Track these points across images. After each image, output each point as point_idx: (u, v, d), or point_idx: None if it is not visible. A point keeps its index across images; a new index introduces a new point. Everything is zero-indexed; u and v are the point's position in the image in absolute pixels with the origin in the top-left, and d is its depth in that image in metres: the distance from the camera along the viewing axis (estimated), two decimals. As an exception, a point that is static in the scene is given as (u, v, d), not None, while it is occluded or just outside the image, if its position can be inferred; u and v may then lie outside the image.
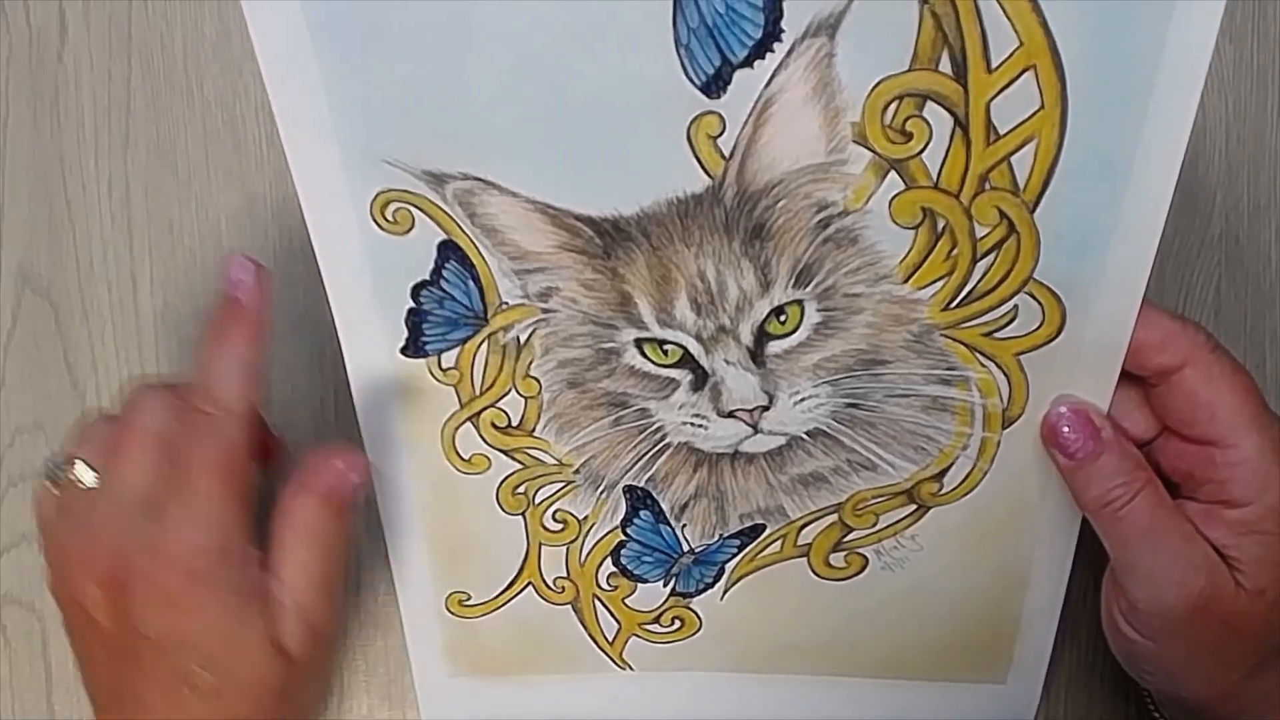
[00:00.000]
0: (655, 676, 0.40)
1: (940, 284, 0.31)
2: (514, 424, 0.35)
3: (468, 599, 0.39)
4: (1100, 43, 0.27)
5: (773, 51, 0.28)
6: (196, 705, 0.32)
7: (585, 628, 0.39)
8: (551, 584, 0.38)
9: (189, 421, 0.31)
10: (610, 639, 0.40)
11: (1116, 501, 0.32)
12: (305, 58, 0.29)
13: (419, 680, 0.41)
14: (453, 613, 0.39)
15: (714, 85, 0.28)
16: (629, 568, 0.38)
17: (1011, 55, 0.27)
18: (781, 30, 0.28)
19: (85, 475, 0.33)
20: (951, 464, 0.35)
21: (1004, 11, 0.27)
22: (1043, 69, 0.27)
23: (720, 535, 0.37)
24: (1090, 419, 0.32)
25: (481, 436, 0.36)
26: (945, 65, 0.28)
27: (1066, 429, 0.32)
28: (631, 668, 0.40)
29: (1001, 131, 0.29)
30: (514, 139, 0.30)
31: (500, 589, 0.39)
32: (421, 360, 0.34)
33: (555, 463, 0.36)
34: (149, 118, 0.40)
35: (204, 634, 0.32)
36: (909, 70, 0.28)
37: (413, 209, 0.31)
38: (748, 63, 0.28)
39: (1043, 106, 0.28)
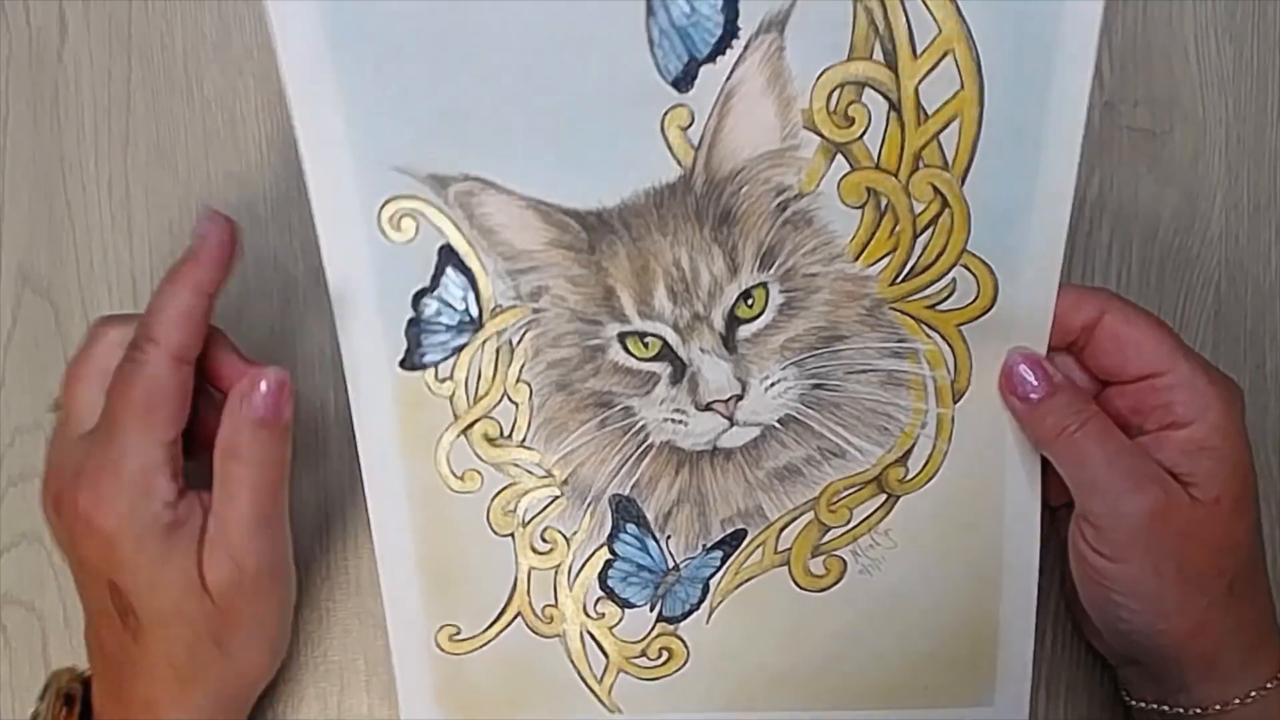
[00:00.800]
0: None
1: (886, 260, 0.35)
2: (505, 434, 0.37)
3: (458, 633, 0.39)
4: (1007, 26, 0.32)
5: (732, 47, 0.32)
6: (129, 640, 0.33)
7: (574, 664, 0.39)
8: (540, 613, 0.38)
9: (125, 358, 0.33)
10: (599, 676, 0.39)
11: (1070, 426, 0.34)
12: (325, 71, 0.32)
13: None
14: (443, 649, 0.39)
15: (683, 80, 0.33)
16: (616, 590, 0.39)
17: (933, 42, 0.33)
18: (738, 28, 0.32)
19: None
20: (914, 444, 0.37)
21: (924, 3, 0.32)
22: (960, 53, 0.33)
23: (704, 545, 0.38)
24: (1042, 364, 0.35)
25: (474, 450, 0.37)
26: (878, 54, 0.33)
27: (1023, 371, 0.35)
28: (620, 710, 0.39)
29: (930, 111, 0.33)
30: (510, 138, 0.33)
31: (490, 620, 0.39)
32: (419, 373, 0.36)
33: (544, 474, 0.37)
34: (149, 118, 0.40)
35: (125, 568, 0.33)
36: (848, 60, 0.33)
37: (416, 215, 0.34)
38: (711, 58, 0.33)
39: (962, 87, 0.33)
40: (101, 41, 0.40)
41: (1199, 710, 0.35)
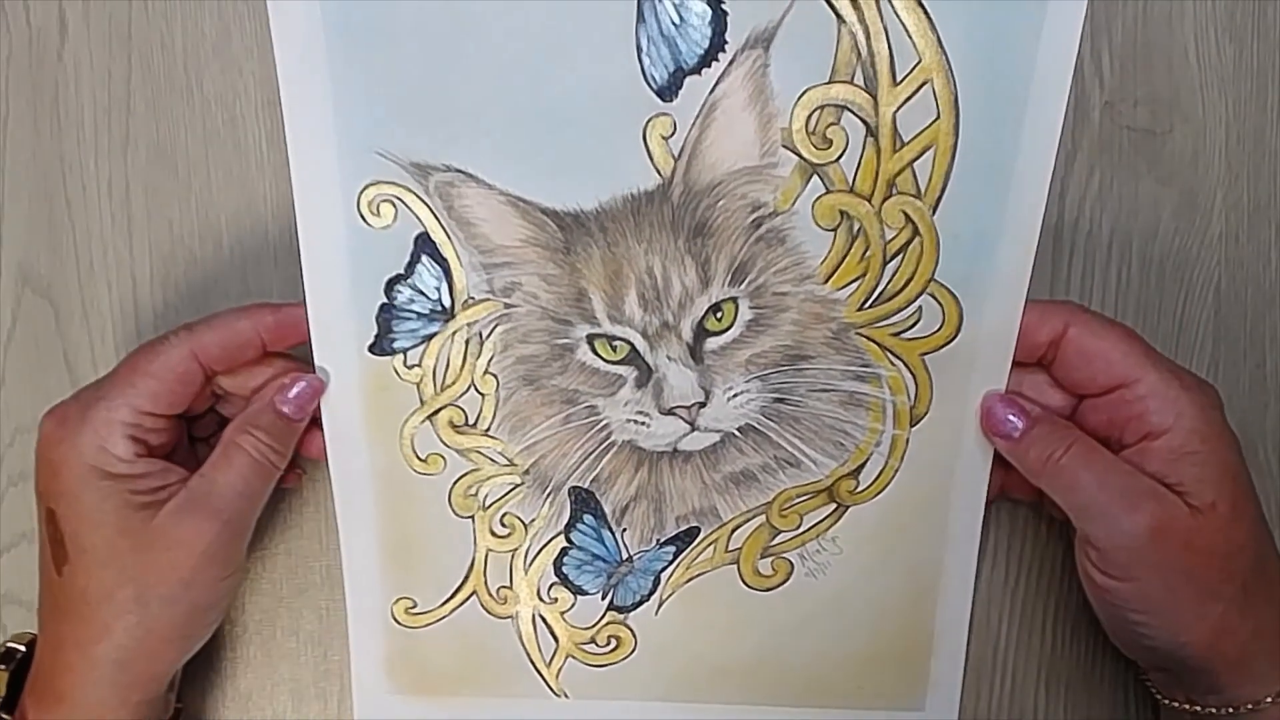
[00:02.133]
0: (589, 705, 0.39)
1: (856, 285, 0.34)
2: (470, 422, 0.36)
3: (414, 606, 0.38)
4: (985, 59, 0.31)
5: (718, 60, 0.31)
6: (52, 571, 0.34)
7: (524, 645, 0.39)
8: (495, 594, 0.38)
9: (158, 338, 0.34)
10: (548, 659, 0.39)
11: (1054, 455, 0.33)
12: (318, 55, 0.31)
13: (357, 694, 0.39)
14: (399, 622, 0.38)
15: (668, 90, 0.32)
16: (570, 577, 0.38)
17: (913, 70, 0.31)
18: (726, 41, 0.31)
19: None
20: (866, 460, 0.36)
21: (906, 32, 0.31)
22: (939, 83, 0.31)
23: (658, 540, 0.38)
24: (1018, 403, 0.35)
25: (439, 435, 0.36)
26: (859, 78, 0.32)
27: (1000, 411, 0.34)
28: (566, 695, 0.39)
29: (906, 139, 0.32)
30: (495, 134, 0.32)
31: (446, 595, 0.38)
32: (387, 358, 0.35)
33: (506, 463, 0.36)
34: (149, 118, 0.39)
35: (64, 498, 0.33)
36: (830, 82, 0.32)
37: (395, 201, 0.33)
38: (697, 70, 0.31)
39: (939, 116, 0.32)
40: (101, 41, 0.39)
41: (1231, 710, 0.34)
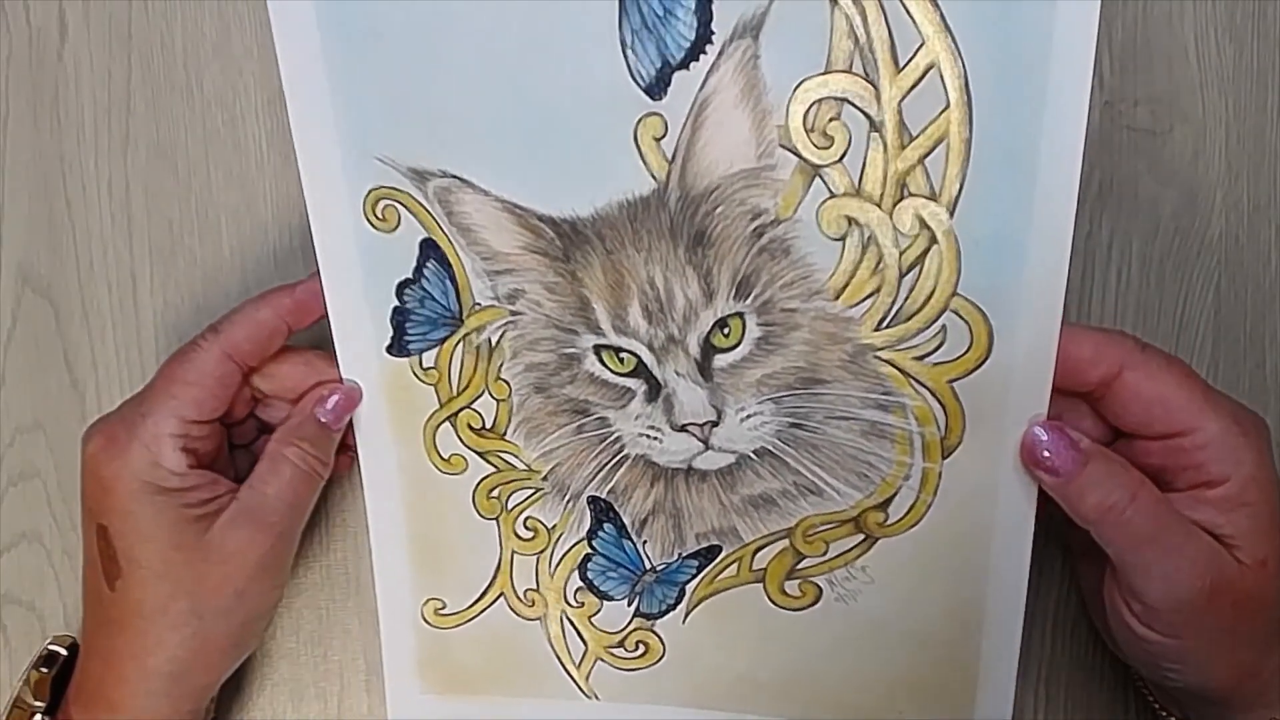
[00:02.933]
0: (620, 708, 0.37)
1: (870, 302, 0.30)
2: (487, 426, 0.35)
3: (443, 607, 0.38)
4: (996, 37, 0.27)
5: (705, 53, 0.28)
6: (103, 586, 0.33)
7: (553, 647, 0.38)
8: (522, 596, 0.37)
9: (188, 345, 0.34)
10: (577, 661, 0.37)
11: (1118, 506, 0.30)
12: (316, 60, 0.31)
13: (391, 695, 0.39)
14: (429, 622, 0.38)
15: (656, 87, 0.29)
16: (595, 582, 0.36)
17: (916, 53, 0.27)
18: (712, 32, 0.28)
19: None
20: (895, 494, 0.32)
21: (907, 11, 0.27)
22: (946, 66, 0.27)
23: (679, 554, 0.35)
24: (1066, 433, 0.30)
25: (459, 437, 0.35)
26: (858, 67, 0.28)
27: (1046, 451, 0.31)
28: (597, 696, 0.38)
29: (914, 133, 0.28)
30: (487, 139, 0.31)
31: (475, 597, 0.37)
32: (405, 360, 0.35)
33: (525, 468, 0.35)
34: (149, 118, 0.38)
35: (116, 514, 0.33)
36: (826, 72, 0.28)
37: (399, 206, 0.32)
38: (685, 64, 0.29)
39: (949, 105, 0.27)
40: (101, 41, 0.38)
41: None
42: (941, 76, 0.27)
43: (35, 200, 0.39)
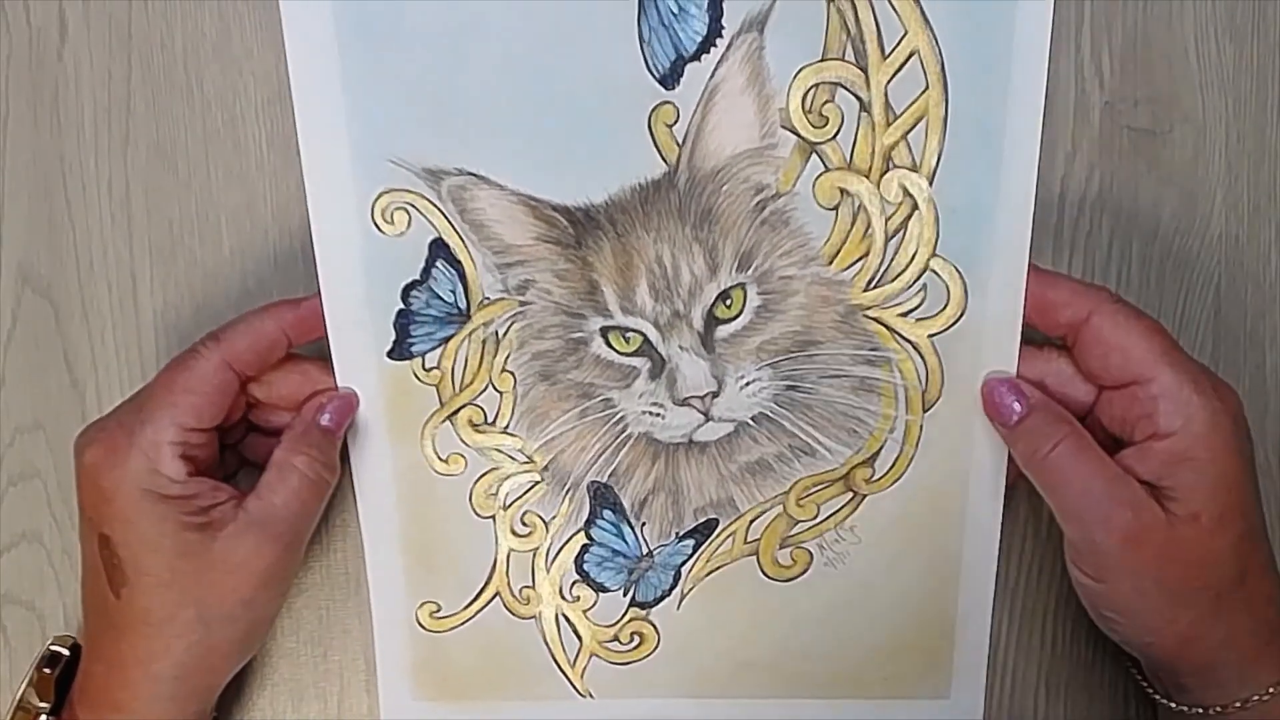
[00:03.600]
0: (614, 705, 0.38)
1: (860, 264, 0.34)
2: (489, 420, 0.36)
3: (438, 610, 0.38)
4: (967, 27, 0.32)
5: (716, 46, 0.32)
6: (108, 594, 0.33)
7: (548, 645, 0.38)
8: (518, 594, 0.38)
9: (187, 351, 0.34)
10: (572, 659, 0.38)
11: (1042, 449, 0.33)
12: (330, 65, 0.32)
13: (384, 702, 0.39)
14: (423, 626, 0.38)
15: (670, 77, 0.33)
16: (591, 574, 0.38)
17: (900, 42, 0.32)
18: (722, 27, 0.32)
19: None
20: (881, 448, 0.36)
21: (891, 5, 0.32)
22: (925, 53, 0.32)
23: (676, 533, 0.37)
24: (1018, 386, 0.34)
25: (458, 435, 0.36)
26: (850, 55, 0.33)
27: (1000, 395, 0.34)
28: (592, 695, 0.39)
29: (898, 111, 0.33)
30: (504, 134, 0.33)
31: (469, 598, 0.38)
32: (406, 362, 0.36)
33: (526, 460, 0.36)
34: (149, 118, 0.38)
35: (118, 522, 0.33)
36: (822, 60, 0.33)
37: (409, 208, 0.34)
38: (696, 56, 0.32)
39: (928, 87, 0.33)
40: (101, 41, 0.38)
41: (1200, 710, 0.34)
42: (922, 63, 0.32)
43: (35, 200, 0.39)
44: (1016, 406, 0.34)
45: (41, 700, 0.34)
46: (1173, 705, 0.35)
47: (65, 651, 0.36)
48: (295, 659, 0.40)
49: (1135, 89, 0.37)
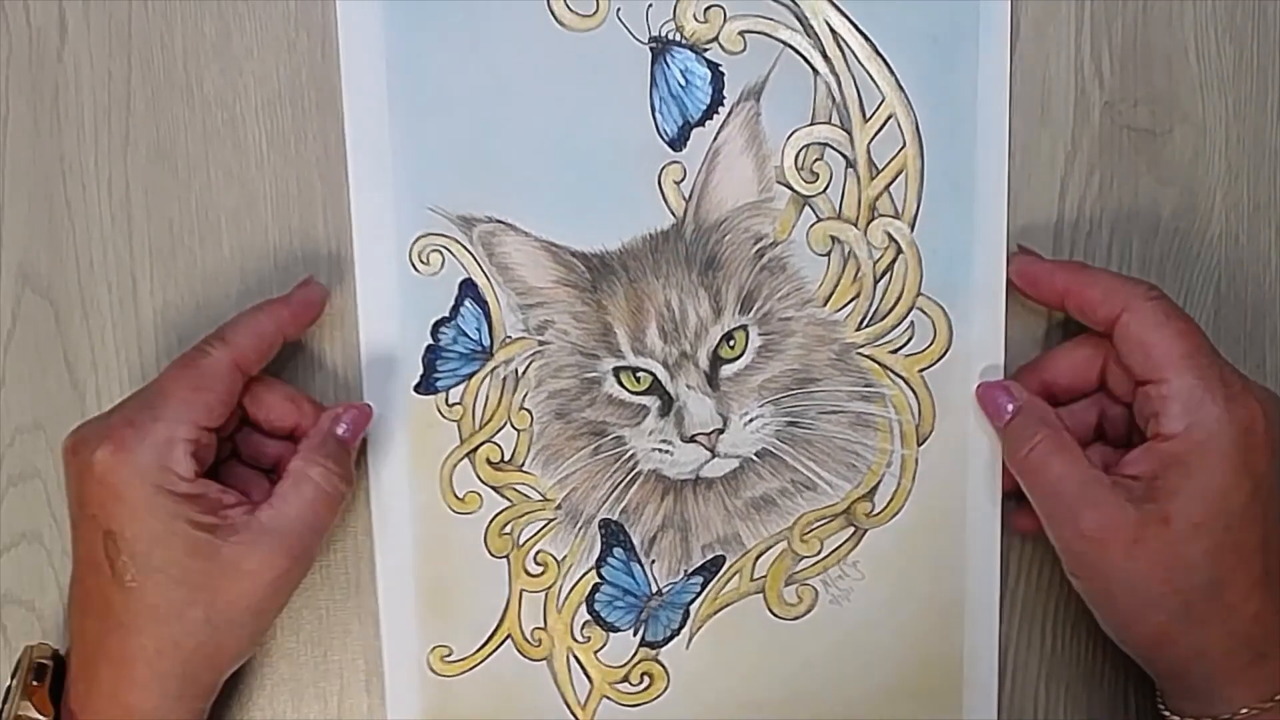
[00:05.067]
0: None
1: (852, 305, 0.40)
2: (506, 458, 0.40)
3: (449, 654, 0.41)
4: (936, 91, 0.39)
5: (718, 113, 0.39)
6: (114, 589, 0.34)
7: (559, 688, 0.42)
8: (529, 636, 0.41)
9: (190, 350, 0.37)
10: (582, 702, 0.41)
11: (1020, 452, 0.37)
12: (381, 123, 0.39)
13: None
14: (434, 671, 0.41)
15: (677, 140, 0.40)
16: (601, 614, 0.41)
17: (879, 107, 0.39)
18: (724, 97, 0.39)
19: None
20: (879, 482, 0.40)
21: (870, 76, 0.39)
22: (901, 115, 0.39)
23: (685, 570, 0.40)
24: (1009, 388, 0.38)
25: (476, 473, 0.41)
26: (835, 118, 0.40)
27: (991, 394, 0.38)
28: None
29: (880, 167, 0.40)
30: (531, 187, 0.40)
31: (482, 641, 0.41)
32: (430, 397, 0.41)
33: (540, 498, 0.40)
34: (149, 118, 0.40)
35: (127, 519, 0.34)
36: (811, 123, 0.40)
37: (443, 251, 0.39)
38: (701, 122, 0.39)
39: (905, 144, 0.40)
40: (101, 41, 0.40)
41: (1178, 719, 0.37)
42: (899, 124, 0.39)
43: (35, 200, 0.41)
44: (1008, 404, 0.37)
45: (42, 714, 0.35)
46: (1161, 708, 0.38)
47: (49, 662, 0.37)
48: (295, 659, 0.42)
49: (1135, 89, 0.39)
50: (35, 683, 0.36)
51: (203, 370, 0.36)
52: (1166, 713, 0.37)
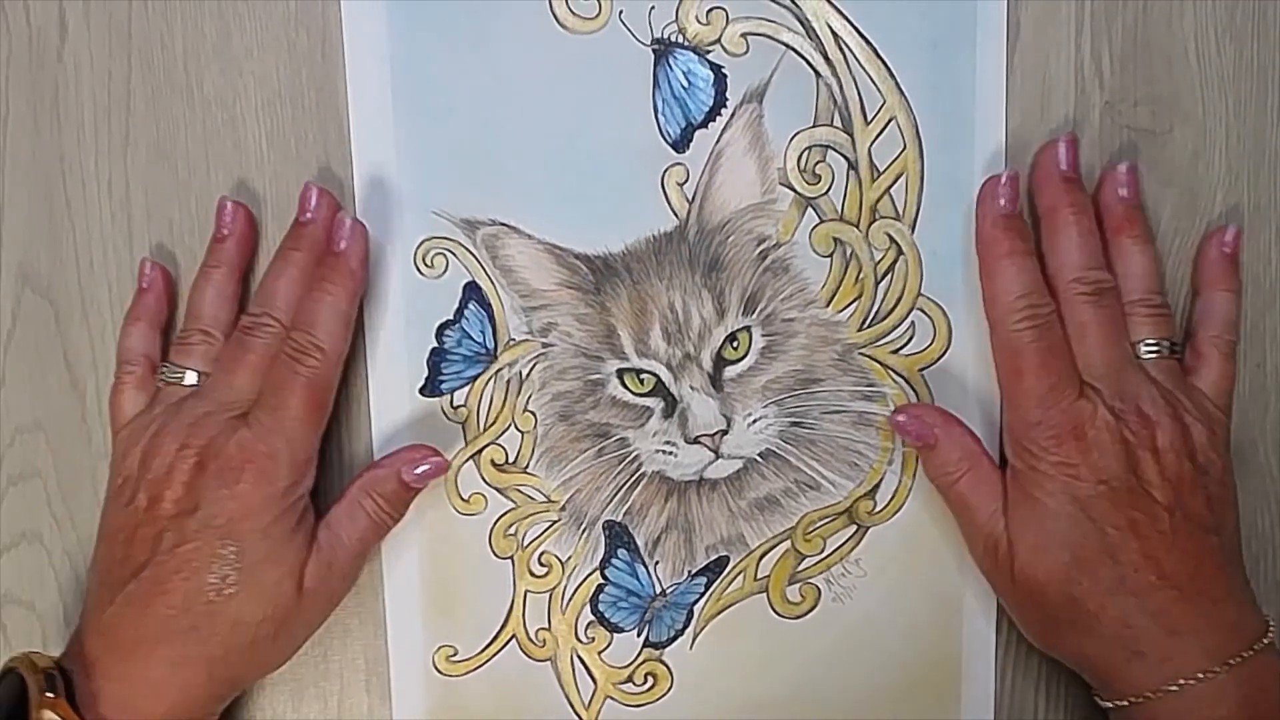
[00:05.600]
0: None
1: (854, 306, 0.41)
2: (510, 460, 0.41)
3: (455, 654, 0.42)
4: (935, 95, 0.40)
5: (721, 115, 0.40)
6: (211, 602, 0.36)
7: (563, 688, 0.42)
8: (534, 636, 0.41)
9: (296, 358, 0.37)
10: (586, 702, 0.42)
11: (945, 482, 0.39)
12: (385, 129, 0.40)
13: None
14: (440, 671, 0.42)
15: (680, 142, 0.40)
16: (606, 615, 0.42)
17: (879, 110, 0.41)
18: (726, 99, 0.40)
19: (189, 378, 0.39)
20: (881, 480, 0.41)
21: (871, 79, 0.40)
22: (902, 118, 0.41)
23: (689, 571, 0.41)
24: (924, 416, 0.39)
25: (481, 475, 0.42)
26: (837, 121, 0.41)
27: (902, 426, 0.40)
28: None
29: (881, 169, 0.41)
30: (534, 190, 0.41)
31: (486, 641, 0.42)
32: (436, 400, 0.41)
33: (544, 499, 0.41)
34: (149, 118, 0.41)
35: (250, 535, 0.37)
36: (814, 126, 0.41)
37: (447, 254, 0.40)
38: (704, 124, 0.40)
39: (905, 147, 0.41)
40: (101, 41, 0.41)
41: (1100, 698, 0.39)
42: (899, 127, 0.41)
43: (35, 200, 0.42)
44: (926, 436, 0.38)
45: None
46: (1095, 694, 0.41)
47: (56, 671, 0.36)
48: (295, 659, 0.42)
49: (1135, 89, 0.40)
50: (50, 694, 0.36)
51: (318, 385, 0.37)
52: (1100, 700, 0.39)
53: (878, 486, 0.42)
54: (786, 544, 0.42)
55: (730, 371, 0.41)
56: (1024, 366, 0.36)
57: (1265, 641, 0.36)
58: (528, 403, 0.42)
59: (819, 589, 0.42)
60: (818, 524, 0.42)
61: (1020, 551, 0.37)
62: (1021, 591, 0.38)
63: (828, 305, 0.41)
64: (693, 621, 0.42)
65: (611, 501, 0.42)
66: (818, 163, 0.40)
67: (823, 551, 0.42)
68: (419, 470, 0.40)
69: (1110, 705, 0.38)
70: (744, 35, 0.39)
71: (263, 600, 0.37)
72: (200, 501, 0.37)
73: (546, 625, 0.42)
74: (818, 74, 0.40)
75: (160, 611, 0.36)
